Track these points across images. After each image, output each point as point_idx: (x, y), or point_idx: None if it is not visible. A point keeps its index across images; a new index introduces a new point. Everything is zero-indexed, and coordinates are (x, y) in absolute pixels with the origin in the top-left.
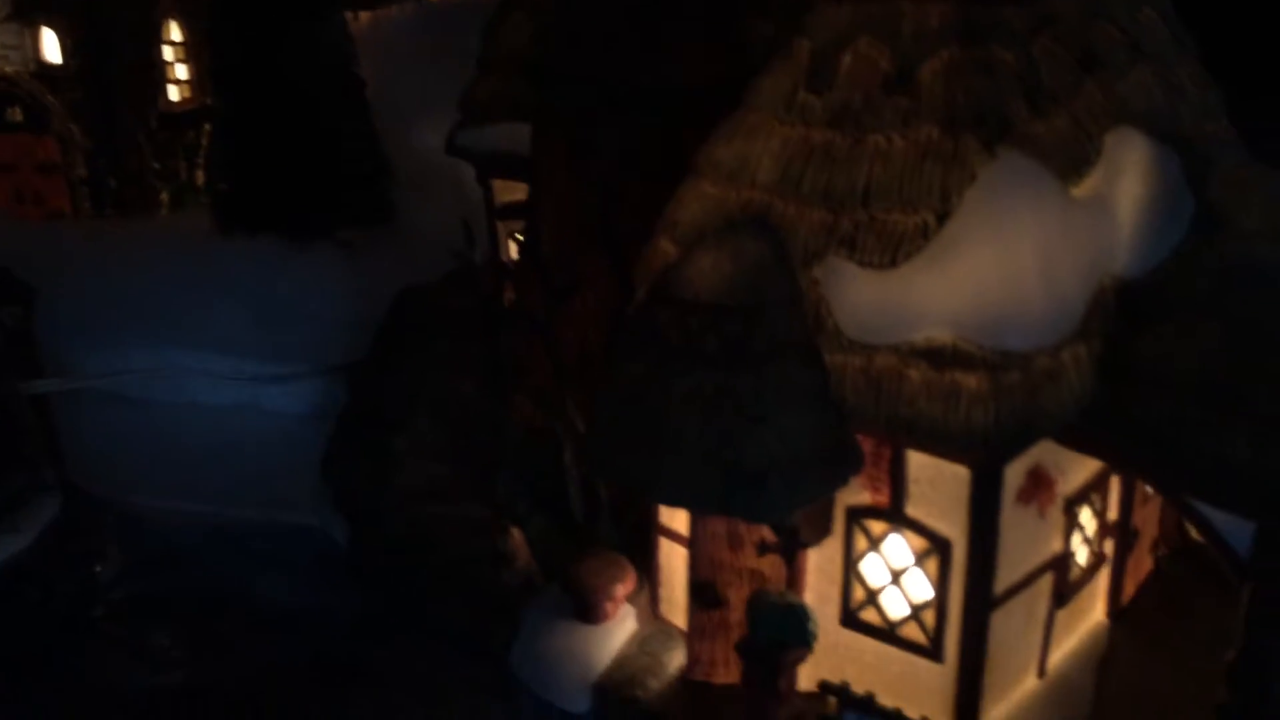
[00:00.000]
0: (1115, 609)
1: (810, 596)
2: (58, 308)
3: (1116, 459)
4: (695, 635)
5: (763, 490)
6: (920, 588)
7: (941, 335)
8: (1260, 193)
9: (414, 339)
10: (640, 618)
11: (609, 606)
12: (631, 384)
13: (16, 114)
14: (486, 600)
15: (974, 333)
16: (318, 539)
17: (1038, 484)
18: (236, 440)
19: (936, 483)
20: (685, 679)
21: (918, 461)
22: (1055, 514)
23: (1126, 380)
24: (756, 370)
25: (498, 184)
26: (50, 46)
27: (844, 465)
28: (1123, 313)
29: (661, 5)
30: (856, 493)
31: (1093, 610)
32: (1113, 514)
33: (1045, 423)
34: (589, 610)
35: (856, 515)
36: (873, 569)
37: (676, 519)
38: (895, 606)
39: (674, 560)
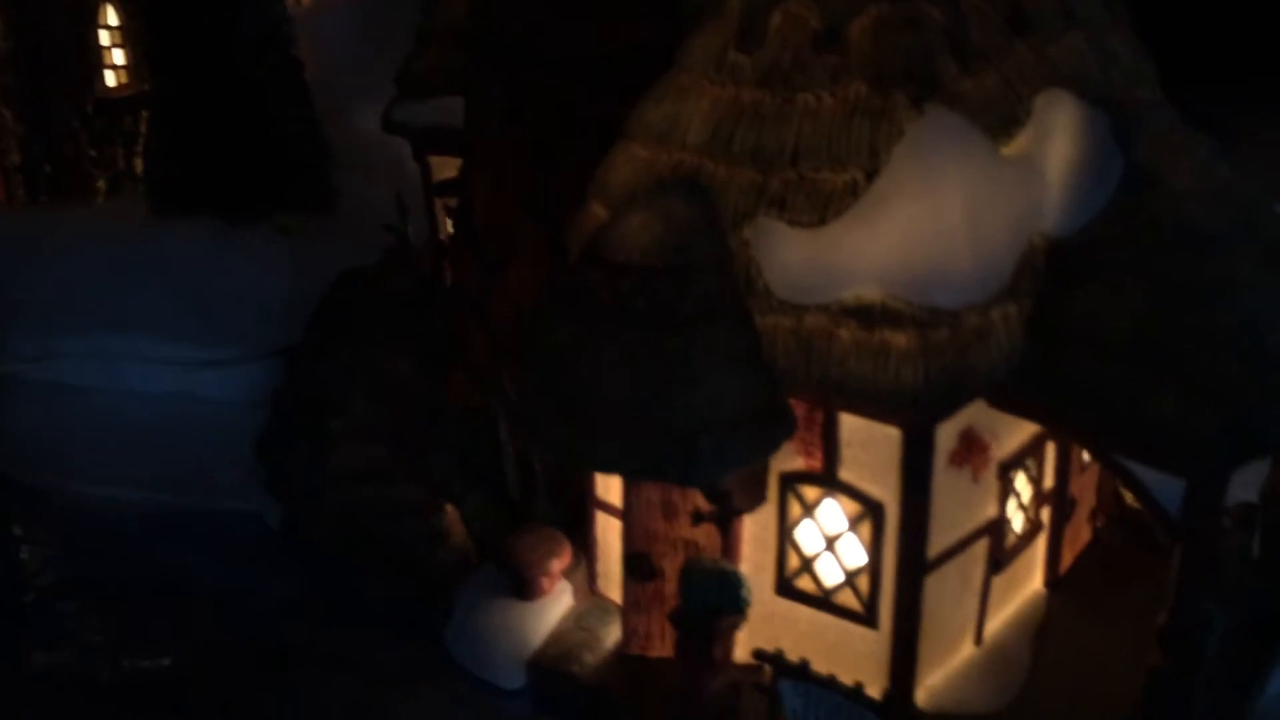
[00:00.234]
0: (1053, 578)
1: (745, 566)
2: None
3: (1047, 419)
4: (630, 608)
5: (694, 453)
6: (854, 553)
7: (871, 293)
8: (1190, 156)
9: (351, 321)
10: (577, 594)
11: (545, 582)
12: (561, 350)
13: None
14: (422, 580)
15: (903, 290)
16: (252, 524)
17: (970, 447)
18: (171, 428)
19: (869, 446)
20: (621, 653)
21: (850, 425)
22: (989, 479)
23: (1056, 339)
24: (686, 331)
25: (435, 161)
26: None
27: (776, 428)
28: (1053, 272)
29: None
30: (790, 458)
31: (1030, 579)
32: (1049, 482)
33: (975, 381)
34: (524, 586)
35: (790, 481)
36: (807, 536)
37: (612, 492)
38: (830, 573)
39: (610, 535)
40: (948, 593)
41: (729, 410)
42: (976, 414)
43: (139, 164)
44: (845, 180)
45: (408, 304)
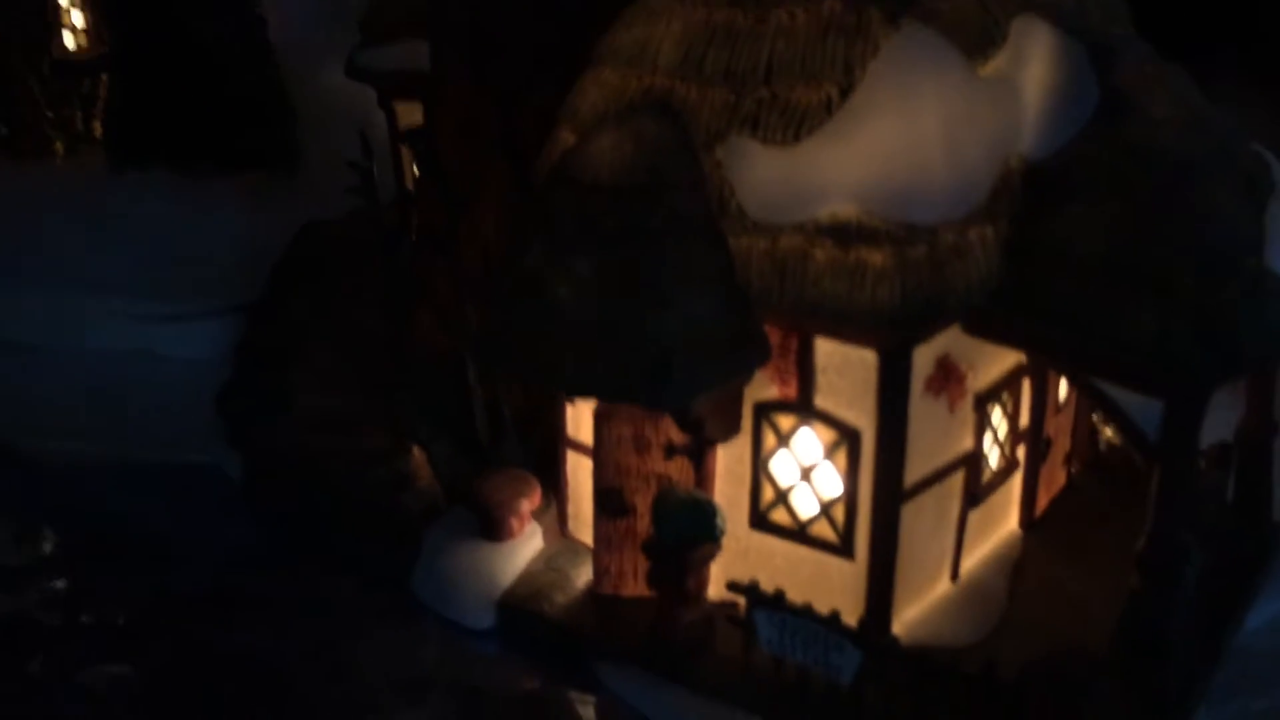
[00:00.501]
0: (1028, 519)
1: (719, 500)
2: None
3: (1025, 343)
4: (602, 546)
5: (667, 374)
6: (830, 483)
7: (846, 210)
8: (1165, 87)
9: (313, 272)
10: (547, 536)
11: (514, 523)
12: (529, 273)
13: None
14: (387, 526)
15: (879, 205)
16: (211, 476)
17: (947, 375)
18: (130, 384)
19: (844, 371)
20: (592, 592)
21: (826, 350)
22: (965, 410)
23: (1033, 262)
24: (657, 250)
25: (401, 108)
26: None
27: (750, 352)
28: (1029, 195)
29: None
30: (764, 387)
31: (1006, 519)
32: (1024, 420)
33: (952, 301)
34: (494, 527)
35: (765, 410)
36: (782, 467)
37: (583, 430)
38: (805, 505)
39: (582, 475)
40: (924, 524)
41: (701, 331)
42: (953, 342)
43: (97, 127)
44: (820, 97)
45: (373, 255)
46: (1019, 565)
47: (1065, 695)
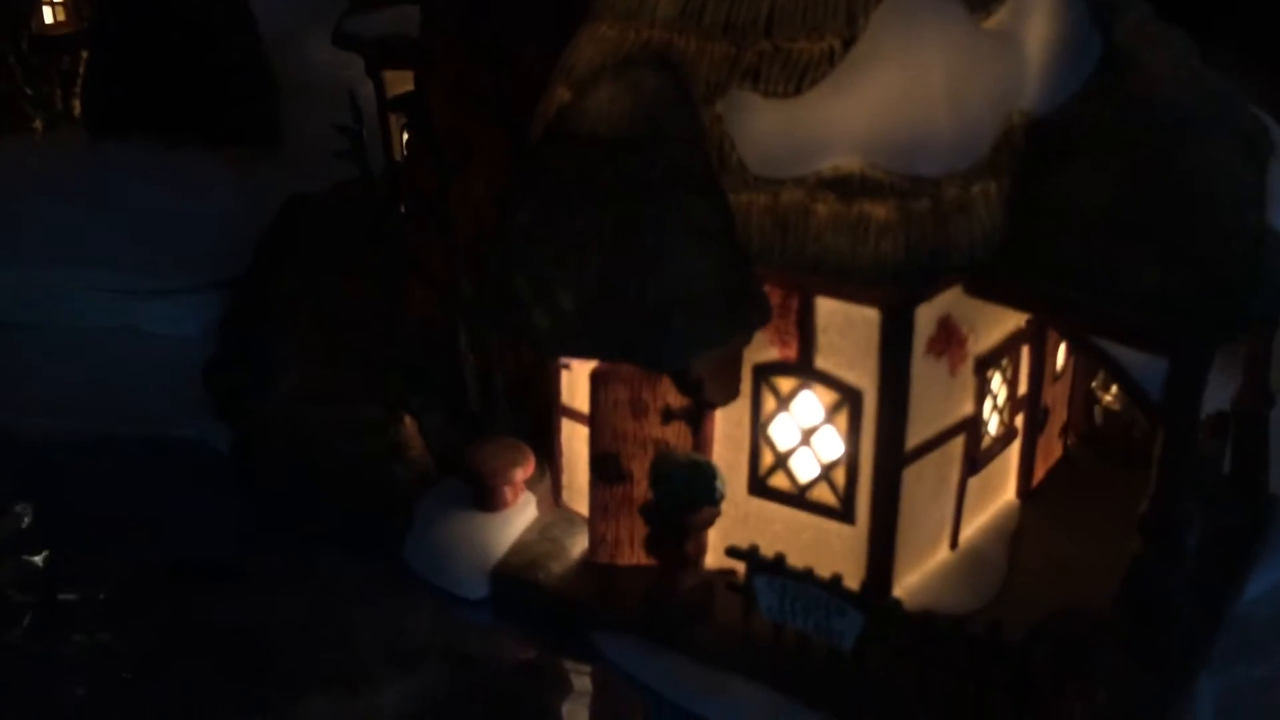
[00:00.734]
0: (1025, 490)
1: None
2: None
3: (1028, 302)
4: (598, 513)
5: (666, 330)
6: (831, 445)
7: (849, 163)
8: (1167, 47)
9: (299, 245)
10: (541, 506)
11: (508, 492)
12: (525, 230)
13: None
14: (378, 496)
15: (883, 158)
16: (198, 449)
17: (949, 337)
18: (114, 360)
19: (846, 331)
20: (588, 561)
21: (827, 309)
22: (966, 374)
23: (1036, 218)
24: (657, 202)
25: (390, 76)
26: None
27: (750, 311)
28: (1032, 152)
29: None
30: (763, 349)
31: (1004, 488)
32: (1023, 388)
33: (955, 257)
34: (487, 496)
35: (764, 373)
36: (782, 430)
37: (578, 397)
38: (805, 469)
39: (577, 444)
40: (924, 490)
41: (701, 287)
42: (955, 303)
43: (77, 106)
44: (822, 48)
45: (362, 225)
46: (1017, 535)
47: (1073, 656)
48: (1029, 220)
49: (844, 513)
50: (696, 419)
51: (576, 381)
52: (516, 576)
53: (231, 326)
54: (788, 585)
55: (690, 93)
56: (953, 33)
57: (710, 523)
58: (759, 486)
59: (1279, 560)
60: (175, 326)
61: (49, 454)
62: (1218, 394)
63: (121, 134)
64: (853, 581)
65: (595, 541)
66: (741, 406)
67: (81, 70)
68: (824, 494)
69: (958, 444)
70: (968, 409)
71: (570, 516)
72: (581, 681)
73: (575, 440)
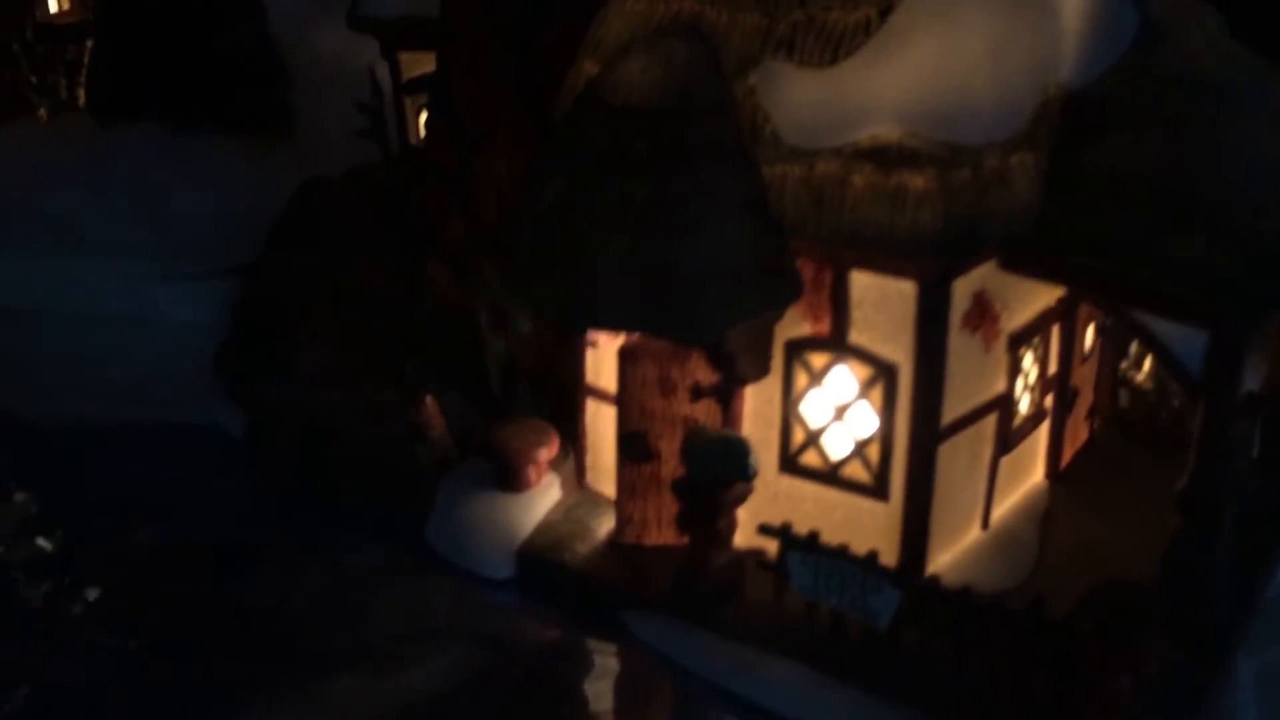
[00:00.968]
0: (1054, 471)
1: None
2: None
3: (1066, 276)
4: (625, 493)
5: (699, 303)
6: (865, 421)
7: (888, 132)
8: (1201, 23)
9: (313, 230)
10: (565, 487)
11: (532, 472)
12: (556, 200)
13: None
14: (399, 480)
15: (923, 125)
16: (212, 434)
17: (983, 312)
18: (125, 345)
19: (881, 305)
20: (614, 541)
21: (861, 283)
22: (999, 350)
23: (1076, 191)
24: (690, 173)
25: (405, 59)
26: None
27: (783, 285)
28: (1069, 124)
29: None
30: (795, 324)
31: (1034, 469)
32: (1053, 368)
33: (994, 228)
34: (511, 477)
35: (797, 349)
36: (814, 408)
37: (603, 376)
38: (837, 446)
39: (602, 424)
40: (958, 467)
41: (734, 260)
42: (989, 279)
43: (81, 95)
44: (858, 18)
45: (374, 208)
46: (1048, 516)
47: (1123, 627)
48: (1066, 194)
49: (877, 489)
50: (726, 396)
51: (602, 360)
52: (542, 557)
53: (243, 312)
54: (822, 563)
55: (722, 64)
56: (991, 1)
57: (743, 499)
58: (790, 464)
59: None
60: (187, 312)
61: (62, 440)
62: (1249, 375)
63: (129, 121)
64: (886, 559)
65: (622, 521)
66: (772, 383)
67: (86, 59)
68: (857, 471)
69: (990, 422)
70: (1000, 386)
71: (594, 498)
72: (606, 661)
73: (600, 421)
